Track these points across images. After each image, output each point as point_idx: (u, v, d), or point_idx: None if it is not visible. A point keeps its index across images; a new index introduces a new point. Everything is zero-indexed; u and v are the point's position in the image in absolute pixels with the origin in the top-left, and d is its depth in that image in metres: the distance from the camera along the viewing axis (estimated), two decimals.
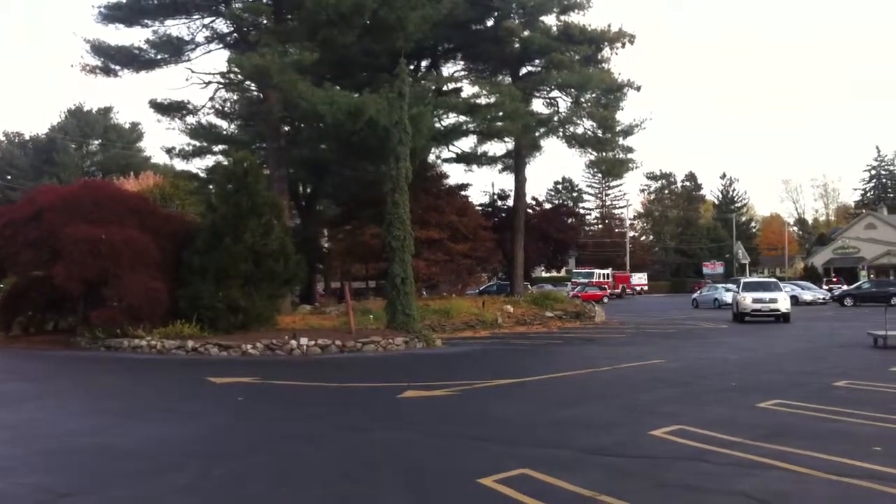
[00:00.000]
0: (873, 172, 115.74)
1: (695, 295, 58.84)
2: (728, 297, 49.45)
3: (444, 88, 37.83)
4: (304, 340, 21.29)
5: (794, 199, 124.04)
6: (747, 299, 34.97)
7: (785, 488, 7.41)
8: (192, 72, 31.26)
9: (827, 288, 64.96)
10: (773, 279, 45.75)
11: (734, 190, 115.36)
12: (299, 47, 27.78)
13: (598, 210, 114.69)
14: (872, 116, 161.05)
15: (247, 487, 7.70)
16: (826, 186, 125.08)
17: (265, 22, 29.73)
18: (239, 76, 31.17)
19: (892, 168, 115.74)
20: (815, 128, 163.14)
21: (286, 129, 33.88)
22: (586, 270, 75.38)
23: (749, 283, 38.82)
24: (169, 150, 36.63)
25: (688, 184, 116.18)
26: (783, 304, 34.55)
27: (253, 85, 32.35)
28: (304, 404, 13.26)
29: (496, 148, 41.15)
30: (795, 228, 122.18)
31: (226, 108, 36.56)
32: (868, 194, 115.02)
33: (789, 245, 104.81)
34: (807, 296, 56.10)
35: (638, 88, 40.12)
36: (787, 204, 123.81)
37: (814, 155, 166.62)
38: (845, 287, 61.65)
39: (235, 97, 36.38)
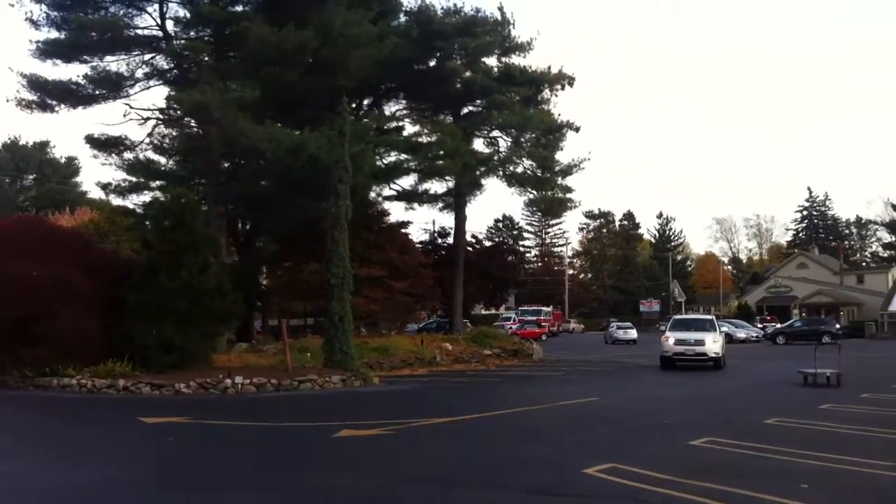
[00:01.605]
0: (805, 213, 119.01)
1: (605, 332, 66.11)
2: (620, 334, 58.86)
3: (386, 127, 38.01)
4: (239, 379, 21.01)
5: (729, 238, 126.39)
6: (670, 340, 30.08)
7: None
8: (131, 108, 30.95)
9: (760, 326, 66.48)
10: (710, 316, 39.84)
11: (671, 229, 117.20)
12: (241, 84, 27.73)
13: (537, 248, 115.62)
14: (803, 158, 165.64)
15: None
16: (759, 226, 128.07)
17: (206, 58, 29.62)
18: (178, 112, 30.94)
19: (823, 209, 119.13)
20: (748, 168, 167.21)
21: (226, 165, 33.63)
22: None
23: (678, 321, 33.43)
24: (105, 186, 35.91)
25: (626, 223, 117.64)
26: (713, 347, 29.39)
27: (192, 121, 32.12)
28: (237, 445, 13.07)
29: (437, 186, 41.42)
30: (730, 267, 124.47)
31: (164, 144, 36.08)
32: (800, 234, 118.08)
33: (724, 283, 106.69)
34: (740, 334, 57.75)
35: (577, 129, 40.72)
36: (721, 243, 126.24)
37: (748, 195, 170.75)
38: (778, 325, 63.08)
39: (174, 133, 36.04)
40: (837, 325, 58.30)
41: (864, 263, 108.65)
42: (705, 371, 28.33)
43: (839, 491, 9.01)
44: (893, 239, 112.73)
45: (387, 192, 40.12)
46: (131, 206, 37.19)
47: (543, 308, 77.75)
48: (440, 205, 43.53)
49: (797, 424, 14.29)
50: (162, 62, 31.29)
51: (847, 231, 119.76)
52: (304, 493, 9.09)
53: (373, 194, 38.11)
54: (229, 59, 30.20)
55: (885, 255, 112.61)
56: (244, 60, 28.94)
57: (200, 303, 22.82)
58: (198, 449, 12.54)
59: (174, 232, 23.21)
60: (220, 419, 16.18)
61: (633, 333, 59.43)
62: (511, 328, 54.80)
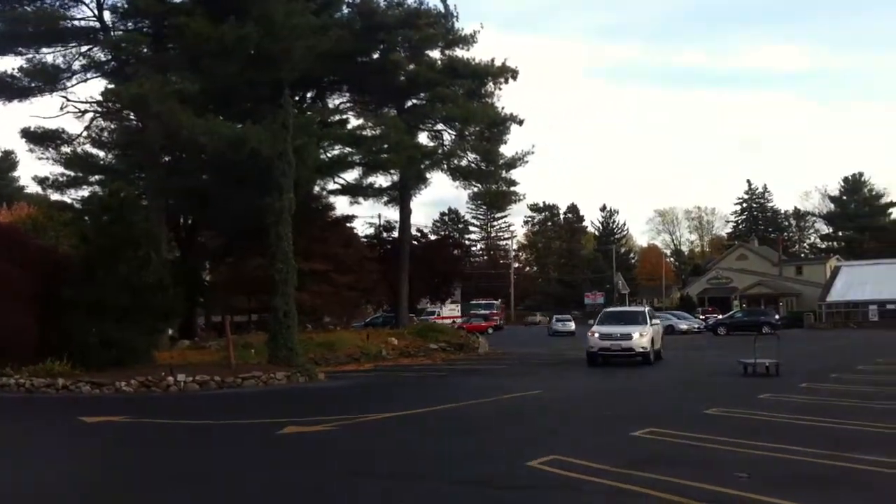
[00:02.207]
0: (744, 205, 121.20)
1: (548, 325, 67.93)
2: (559, 326, 60.61)
3: (330, 120, 37.78)
4: (181, 376, 20.67)
5: (671, 230, 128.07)
6: (595, 335, 27.51)
7: None
8: (68, 100, 30.27)
9: (702, 317, 67.55)
10: (643, 308, 37.93)
11: (614, 222, 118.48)
12: (181, 77, 27.28)
13: (483, 241, 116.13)
14: (742, 150, 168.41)
15: None
16: (701, 219, 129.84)
17: (145, 50, 29.09)
18: (117, 105, 30.34)
19: (762, 201, 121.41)
20: (689, 160, 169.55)
21: (166, 158, 33.10)
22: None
23: (608, 314, 30.81)
24: (42, 181, 35.12)
25: (570, 216, 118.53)
26: (640, 342, 26.65)
27: (132, 114, 31.53)
28: (178, 443, 12.85)
29: (382, 180, 41.37)
30: (672, 259, 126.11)
31: (103, 138, 35.40)
32: (740, 226, 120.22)
33: (667, 275, 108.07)
34: (683, 325, 58.82)
35: (521, 122, 40.96)
36: (664, 235, 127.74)
37: (689, 188, 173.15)
38: (719, 316, 64.14)
39: (113, 126, 35.35)
40: (777, 316, 59.61)
41: (802, 255, 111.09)
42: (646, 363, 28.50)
43: (779, 480, 9.12)
44: (831, 230, 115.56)
45: (331, 186, 40.11)
46: (69, 201, 36.49)
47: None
48: (385, 199, 43.60)
49: (737, 414, 14.49)
50: (100, 54, 30.71)
51: (786, 223, 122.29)
52: (244, 489, 8.97)
53: (317, 188, 37.97)
54: (168, 50, 29.69)
55: (823, 246, 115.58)
56: (183, 52, 28.47)
57: (141, 298, 22.42)
58: (137, 448, 12.30)
59: (113, 227, 22.78)
60: (162, 418, 15.90)
61: (572, 326, 60.72)
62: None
